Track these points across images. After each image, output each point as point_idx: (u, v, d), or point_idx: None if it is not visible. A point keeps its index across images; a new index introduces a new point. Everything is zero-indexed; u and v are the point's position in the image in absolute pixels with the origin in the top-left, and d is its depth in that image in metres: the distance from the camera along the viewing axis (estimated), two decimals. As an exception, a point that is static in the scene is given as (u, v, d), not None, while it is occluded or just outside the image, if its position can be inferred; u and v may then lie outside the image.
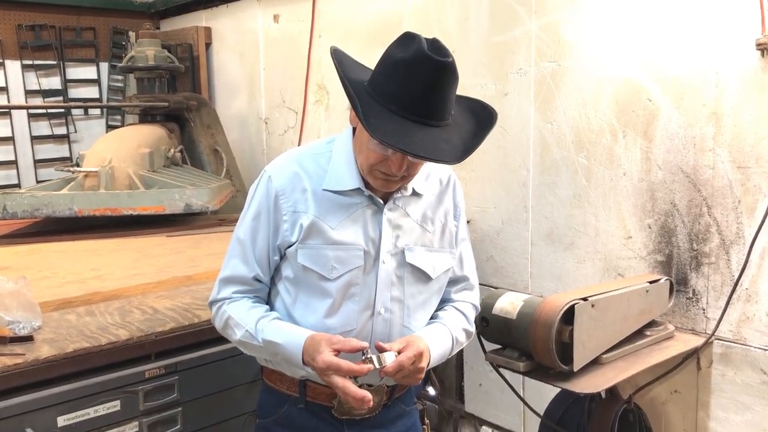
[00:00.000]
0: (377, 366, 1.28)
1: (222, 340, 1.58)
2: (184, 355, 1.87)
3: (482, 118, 1.32)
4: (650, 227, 2.14)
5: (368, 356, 1.28)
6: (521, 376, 2.44)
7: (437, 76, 1.20)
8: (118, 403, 1.73)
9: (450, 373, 2.98)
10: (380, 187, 1.36)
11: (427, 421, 1.72)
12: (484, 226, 2.64)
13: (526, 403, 1.97)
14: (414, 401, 1.62)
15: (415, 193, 1.45)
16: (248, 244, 1.42)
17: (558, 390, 1.87)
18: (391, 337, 1.41)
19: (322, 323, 1.38)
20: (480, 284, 1.64)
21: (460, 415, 2.89)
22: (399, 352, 1.31)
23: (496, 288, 2.50)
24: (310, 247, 1.37)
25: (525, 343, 1.71)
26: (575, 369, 1.68)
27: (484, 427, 2.77)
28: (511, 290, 1.90)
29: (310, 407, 1.46)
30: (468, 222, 2.34)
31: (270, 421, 1.50)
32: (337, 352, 1.29)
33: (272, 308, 1.46)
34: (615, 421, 1.77)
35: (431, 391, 2.87)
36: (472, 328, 1.56)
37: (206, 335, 1.88)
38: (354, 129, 1.39)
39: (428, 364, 1.37)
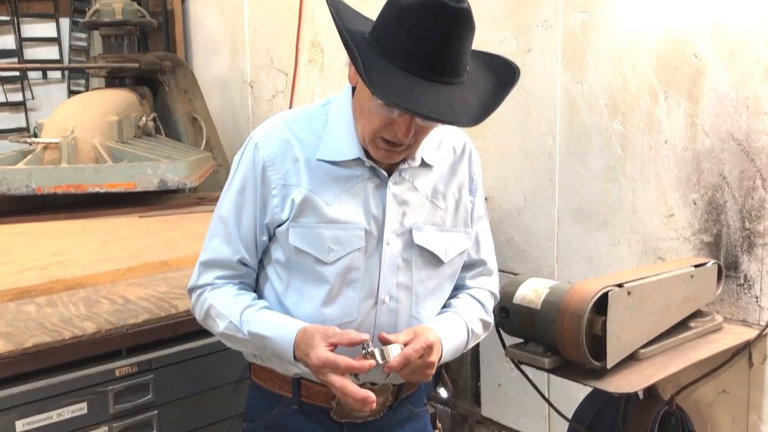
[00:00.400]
0: (380, 361, 1.28)
1: (203, 333, 1.59)
2: (159, 350, 1.87)
3: (502, 75, 1.31)
4: (695, 203, 2.13)
5: (370, 350, 1.28)
6: (546, 374, 2.43)
7: (451, 25, 1.18)
8: (84, 405, 1.74)
9: (464, 371, 2.98)
10: (383, 158, 1.36)
11: (439, 425, 1.75)
12: (504, 203, 2.63)
13: (552, 405, 1.97)
14: (424, 402, 1.63)
15: (424, 164, 1.44)
16: (232, 222, 1.42)
17: (589, 390, 1.87)
18: (397, 329, 1.41)
19: (319, 313, 1.38)
20: (499, 270, 1.64)
21: (476, 419, 2.91)
22: (405, 345, 1.31)
23: (517, 274, 2.49)
24: (304, 225, 1.37)
25: (551, 336, 1.70)
26: (609, 365, 1.68)
27: (502, 432, 2.79)
28: (535, 276, 1.89)
29: (306, 409, 1.46)
30: (485, 199, 2.34)
31: (259, 425, 1.51)
32: (334, 347, 1.29)
33: (260, 296, 1.46)
34: (654, 425, 1.77)
35: (443, 392, 2.88)
36: (490, 319, 1.56)
37: (185, 328, 1.88)
38: (354, 89, 1.38)
39: (439, 359, 1.37)
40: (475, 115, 1.21)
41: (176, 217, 2.99)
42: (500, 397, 2.75)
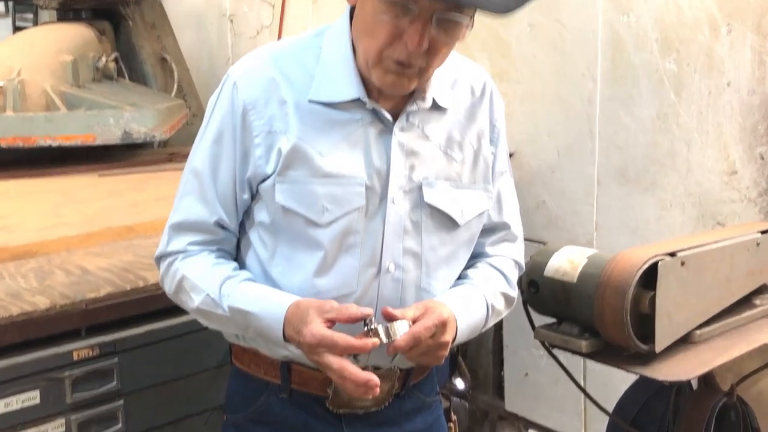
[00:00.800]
0: (384, 340, 1.28)
1: (177, 310, 1.59)
2: (125, 330, 1.87)
3: None
4: (763, 158, 2.13)
5: (373, 327, 1.28)
6: (583, 360, 2.42)
7: None
8: (37, 393, 1.74)
9: (485, 359, 2.99)
10: (390, 86, 1.34)
11: (454, 417, 1.74)
12: (534, 160, 2.62)
13: (589, 397, 1.96)
14: (437, 390, 1.63)
15: (436, 106, 1.43)
16: (207, 177, 1.41)
17: (633, 379, 1.87)
18: (404, 303, 1.41)
19: (311, 284, 1.38)
20: (526, 240, 1.63)
21: (498, 415, 2.92)
22: (414, 322, 1.31)
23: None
24: (293, 180, 1.37)
25: (589, 314, 1.69)
26: (658, 349, 1.66)
27: (531, 430, 2.80)
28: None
29: (297, 398, 1.47)
30: (511, 156, 2.32)
31: (242, 417, 1.52)
32: (331, 323, 1.29)
33: (242, 266, 1.47)
34: (711, 421, 1.77)
35: (459, 383, 2.89)
36: (514, 293, 1.57)
37: (155, 304, 1.88)
38: (352, 11, 1.37)
39: (454, 338, 1.38)
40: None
41: (143, 176, 2.98)
42: (527, 388, 2.77)
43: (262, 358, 1.47)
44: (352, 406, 1.47)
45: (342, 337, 1.27)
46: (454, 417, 1.73)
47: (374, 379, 1.27)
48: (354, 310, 1.29)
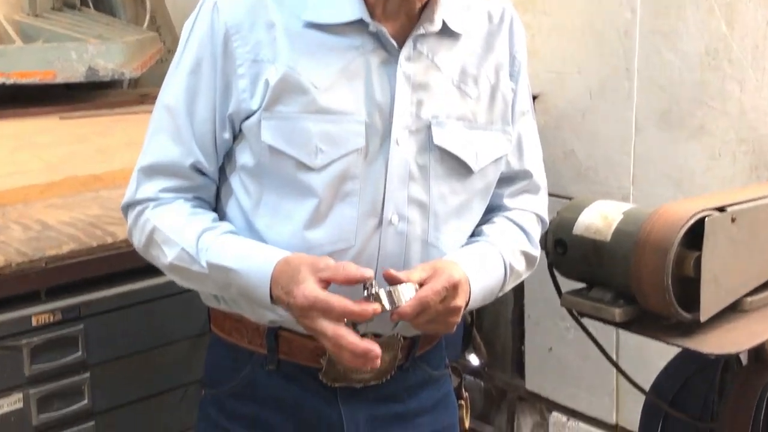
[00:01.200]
0: (387, 305, 1.27)
1: (150, 270, 1.59)
2: (91, 293, 1.88)
3: None
4: (828, 99, 2.12)
5: (374, 291, 1.27)
6: (615, 331, 2.43)
7: None
8: (-10, 364, 1.78)
9: (503, 331, 3.01)
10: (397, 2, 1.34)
11: (465, 394, 1.74)
12: (561, 102, 2.62)
13: (622, 372, 1.97)
14: (446, 363, 1.64)
15: (447, 31, 1.43)
16: (182, 113, 1.41)
17: (673, 353, 1.88)
18: (409, 261, 1.41)
19: (301, 238, 1.38)
20: (552, 195, 1.64)
21: (518, 395, 2.95)
22: (421, 285, 1.31)
23: (577, 199, 2.51)
24: (282, 116, 1.36)
25: (624, 278, 1.69)
26: (703, 318, 1.67)
27: (555, 413, 2.82)
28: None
29: (285, 370, 1.47)
30: (535, 98, 2.31)
31: (223, 392, 1.52)
32: (326, 284, 1.28)
33: (223, 217, 1.47)
34: (762, 401, 1.77)
35: (473, 359, 2.90)
36: (537, 252, 1.57)
37: (124, 263, 1.89)
38: None
39: (467, 304, 1.38)
40: None
41: (110, 118, 2.98)
42: (551, 365, 2.79)
43: (245, 325, 1.48)
44: (348, 379, 1.47)
45: (338, 300, 1.26)
46: (465, 394, 1.74)
47: (375, 349, 1.26)
48: (353, 269, 1.28)
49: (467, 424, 1.73)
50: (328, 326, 1.27)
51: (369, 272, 1.28)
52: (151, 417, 2.00)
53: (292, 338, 1.45)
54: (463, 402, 1.72)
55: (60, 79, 2.97)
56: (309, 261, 1.30)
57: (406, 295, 1.29)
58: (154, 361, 1.96)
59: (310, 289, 1.27)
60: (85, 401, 1.88)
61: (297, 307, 1.29)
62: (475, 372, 2.97)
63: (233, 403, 1.51)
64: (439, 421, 1.60)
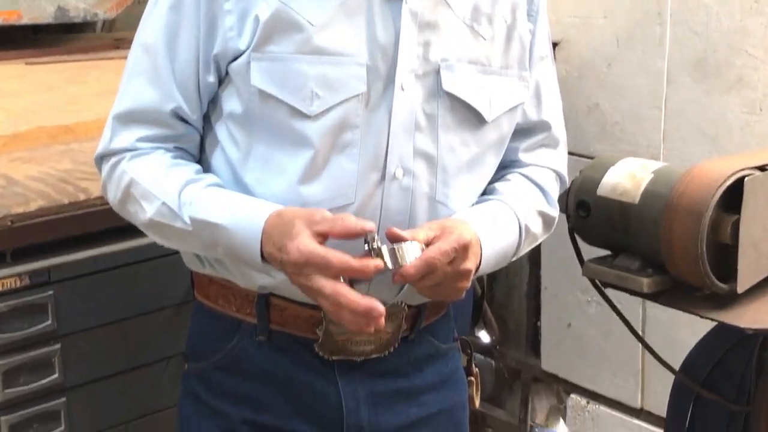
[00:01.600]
0: (389, 264, 1.27)
1: (128, 230, 1.62)
2: (61, 255, 1.88)
3: None
4: None
5: (375, 246, 1.27)
6: (642, 305, 2.42)
7: None
8: (-51, 333, 1.79)
9: (516, 304, 3.02)
10: None
11: (476, 370, 1.74)
12: (585, 50, 2.61)
13: (649, 348, 1.97)
14: (454, 336, 1.65)
15: None
16: (161, 53, 1.41)
17: (704, 331, 1.88)
18: (414, 219, 1.42)
19: (295, 193, 1.38)
20: (574, 154, 1.69)
21: (533, 376, 2.96)
22: (428, 245, 1.31)
23: (601, 158, 2.50)
24: (273, 57, 1.36)
25: (653, 244, 1.68)
26: (740, 289, 1.66)
27: (573, 395, 2.83)
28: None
29: (277, 341, 1.48)
30: (555, 46, 2.29)
31: (207, 365, 1.53)
32: (323, 238, 1.28)
33: (207, 171, 1.47)
34: (804, 381, 1.77)
35: (484, 335, 2.91)
36: (555, 212, 1.58)
37: (99, 222, 1.89)
38: None
39: (477, 267, 1.39)
40: None
41: (82, 64, 2.98)
42: (570, 343, 2.80)
43: (233, 291, 1.48)
44: (347, 351, 1.48)
45: (337, 255, 1.26)
46: (476, 369, 1.75)
47: (378, 307, 1.26)
48: (352, 222, 1.28)
49: (477, 403, 1.74)
50: (325, 284, 1.27)
51: (370, 224, 1.28)
52: (128, 393, 2.00)
53: (285, 306, 1.45)
54: (473, 378, 1.73)
55: (26, 20, 2.99)
56: (304, 214, 1.30)
57: (411, 254, 1.28)
58: (132, 331, 1.97)
59: (305, 243, 1.27)
60: (56, 375, 1.89)
61: (291, 264, 1.28)
62: (485, 350, 2.97)
63: (219, 377, 1.52)
64: (447, 399, 1.61)
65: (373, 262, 1.26)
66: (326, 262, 1.26)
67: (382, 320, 1.28)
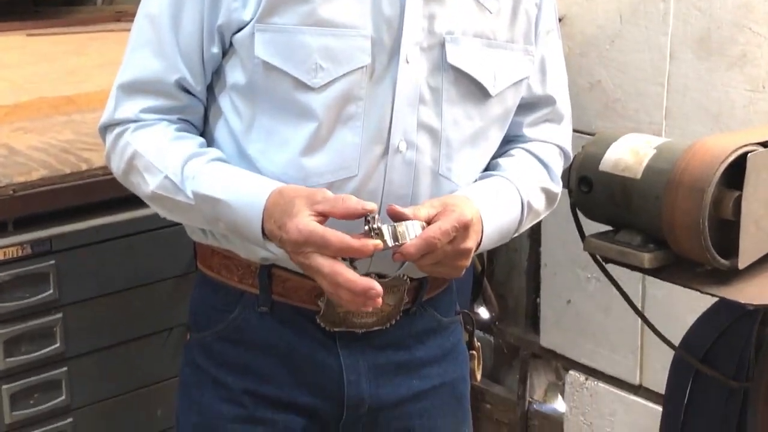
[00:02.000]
0: (390, 243, 1.27)
1: (131, 200, 1.61)
2: (63, 224, 1.88)
3: None
4: None
5: (375, 226, 1.27)
6: (641, 281, 2.42)
7: None
8: (-49, 302, 1.80)
9: (515, 282, 3.02)
10: None
11: (477, 344, 1.74)
12: (589, 27, 2.59)
13: (648, 323, 1.97)
14: (456, 309, 1.65)
15: None
16: (166, 24, 1.41)
17: (703, 309, 1.88)
18: (418, 193, 1.42)
19: (298, 165, 1.38)
20: (577, 131, 1.65)
21: (531, 352, 2.96)
22: (429, 223, 1.31)
23: (604, 135, 2.49)
24: (277, 29, 1.36)
25: (655, 220, 1.68)
26: (741, 265, 1.65)
27: (572, 372, 2.84)
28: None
29: (279, 312, 1.48)
30: (560, 20, 2.28)
31: (209, 335, 1.54)
32: (323, 218, 1.29)
33: (211, 143, 1.47)
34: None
35: (483, 312, 2.92)
36: (558, 189, 1.59)
37: (101, 192, 1.89)
38: None
39: (478, 245, 1.39)
40: None
41: (83, 36, 2.96)
42: (569, 320, 2.79)
43: (235, 262, 1.48)
44: (349, 323, 1.48)
45: (336, 235, 1.26)
46: (477, 344, 1.75)
47: (376, 287, 1.26)
48: (353, 202, 1.27)
49: (479, 377, 1.74)
50: (324, 263, 1.27)
51: (371, 205, 1.28)
52: (130, 363, 2.01)
53: (287, 277, 1.46)
54: (474, 353, 1.73)
55: (26, -9, 2.97)
56: (305, 193, 1.30)
57: (412, 232, 1.29)
58: (134, 301, 1.97)
59: (304, 222, 1.27)
60: (57, 344, 1.90)
61: (290, 242, 1.29)
62: (484, 326, 2.97)
63: (221, 347, 1.52)
64: (449, 373, 1.61)
65: (373, 242, 1.26)
66: (325, 241, 1.26)
67: (380, 300, 1.28)
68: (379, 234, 1.27)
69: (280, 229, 1.30)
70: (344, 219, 1.28)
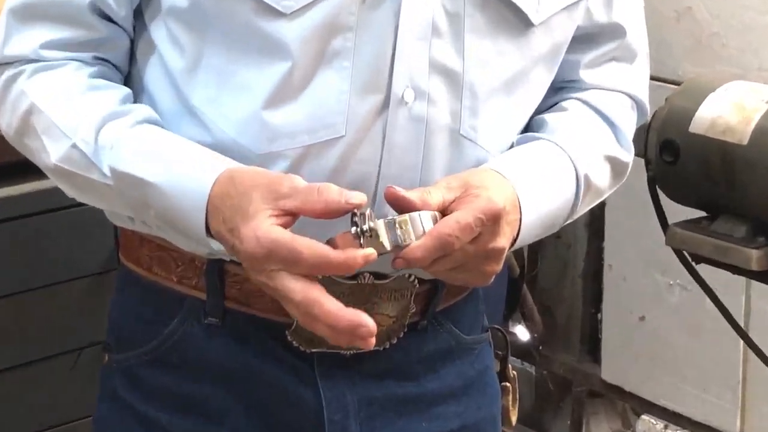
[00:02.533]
0: (388, 245, 1.26)
1: (26, 169, 1.60)
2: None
3: None
4: None
5: (367, 226, 1.25)
6: (744, 286, 2.44)
7: None
8: None
9: (567, 289, 3.03)
10: None
11: (513, 374, 1.74)
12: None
13: (755, 348, 1.97)
14: (484, 325, 1.66)
15: None
16: None
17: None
18: (430, 164, 1.42)
19: (261, 121, 1.38)
20: (657, 78, 1.72)
21: (588, 389, 2.97)
22: (444, 214, 1.30)
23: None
24: None
25: (764, 203, 1.69)
26: None
27: (645, 417, 2.86)
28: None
29: (234, 324, 1.49)
30: None
31: (136, 356, 1.54)
32: (292, 217, 1.28)
33: (140, 92, 1.48)
34: None
35: (521, 331, 2.93)
36: (629, 156, 1.60)
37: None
38: None
39: (514, 241, 1.40)
40: None
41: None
42: (643, 344, 2.81)
43: (173, 255, 1.49)
44: (330, 344, 1.43)
45: (309, 246, 1.23)
46: (513, 373, 1.75)
47: (367, 323, 1.24)
48: (333, 193, 1.25)
49: (514, 421, 1.74)
50: (294, 287, 1.25)
51: (359, 197, 1.26)
52: (27, 392, 2.02)
53: (245, 276, 1.42)
54: (508, 384, 1.73)
55: None
56: (265, 181, 1.29)
57: (419, 227, 1.28)
58: (33, 309, 2.00)
59: (264, 228, 1.25)
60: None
61: (246, 256, 1.28)
62: (523, 351, 2.99)
63: (152, 374, 1.52)
64: (471, 412, 1.61)
65: (363, 252, 1.23)
66: (294, 255, 1.24)
67: (372, 340, 1.26)
68: (373, 236, 1.26)
69: (232, 234, 1.29)
70: (322, 218, 1.26)
